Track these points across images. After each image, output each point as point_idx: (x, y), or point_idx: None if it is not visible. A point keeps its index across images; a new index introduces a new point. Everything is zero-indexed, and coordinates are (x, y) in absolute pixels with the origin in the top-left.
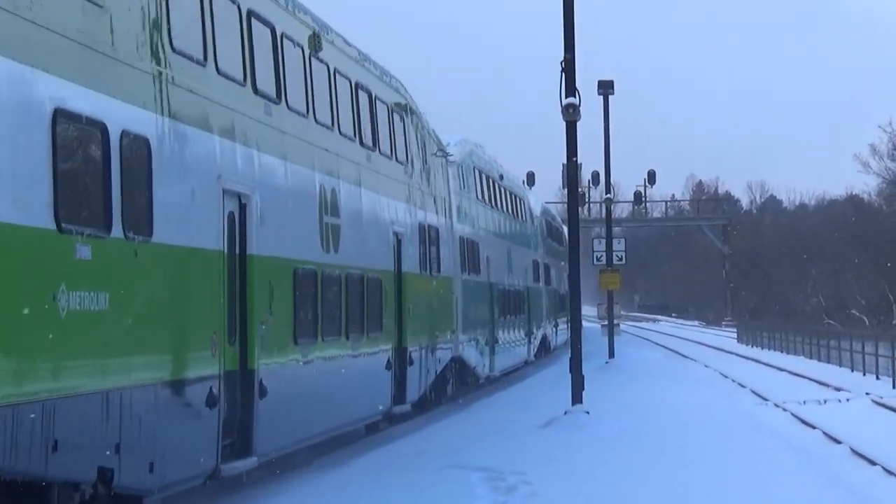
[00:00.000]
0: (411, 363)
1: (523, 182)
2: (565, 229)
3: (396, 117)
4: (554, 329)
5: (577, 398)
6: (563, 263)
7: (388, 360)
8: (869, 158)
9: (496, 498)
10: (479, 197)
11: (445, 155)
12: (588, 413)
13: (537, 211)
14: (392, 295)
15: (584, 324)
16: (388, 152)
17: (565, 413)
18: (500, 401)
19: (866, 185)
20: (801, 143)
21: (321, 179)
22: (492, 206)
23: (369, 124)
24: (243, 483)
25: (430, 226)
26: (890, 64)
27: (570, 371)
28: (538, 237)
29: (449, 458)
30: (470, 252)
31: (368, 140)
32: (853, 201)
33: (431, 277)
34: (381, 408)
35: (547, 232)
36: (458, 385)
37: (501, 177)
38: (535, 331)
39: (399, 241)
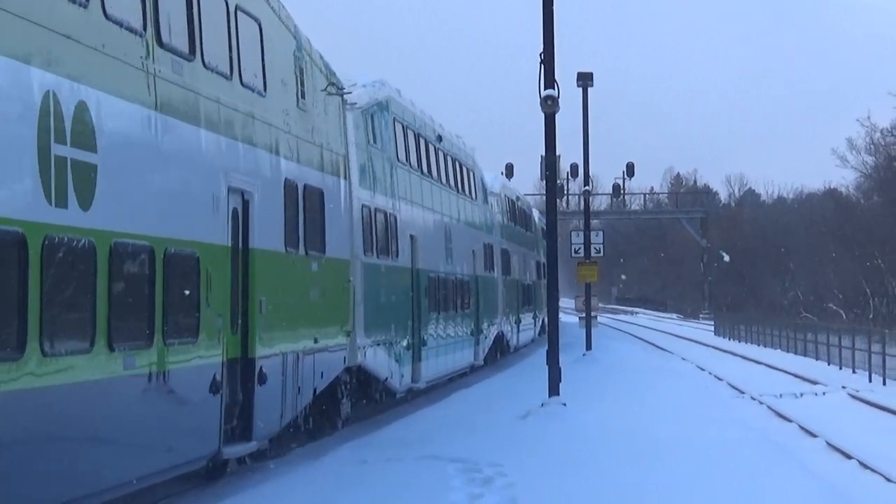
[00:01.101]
0: (263, 381)
1: (502, 173)
2: (536, 214)
3: (245, 21)
4: (514, 326)
5: (554, 390)
6: (530, 251)
7: (215, 379)
8: (846, 152)
9: (472, 489)
10: (401, 159)
11: (341, 93)
12: (565, 405)
13: (495, 187)
14: (223, 282)
15: (562, 316)
16: (225, 69)
17: (542, 405)
18: (477, 392)
19: (844, 178)
20: (780, 137)
21: (47, 82)
22: (422, 173)
23: (183, 17)
24: (220, 475)
25: (307, 186)
26: (867, 58)
27: (548, 363)
28: (493, 218)
29: (425, 449)
30: (380, 228)
31: (179, 41)
32: (831, 195)
33: (308, 258)
34: (199, 452)
35: (509, 214)
36: (361, 403)
37: (440, 138)
38: (485, 329)
39: (244, 203)
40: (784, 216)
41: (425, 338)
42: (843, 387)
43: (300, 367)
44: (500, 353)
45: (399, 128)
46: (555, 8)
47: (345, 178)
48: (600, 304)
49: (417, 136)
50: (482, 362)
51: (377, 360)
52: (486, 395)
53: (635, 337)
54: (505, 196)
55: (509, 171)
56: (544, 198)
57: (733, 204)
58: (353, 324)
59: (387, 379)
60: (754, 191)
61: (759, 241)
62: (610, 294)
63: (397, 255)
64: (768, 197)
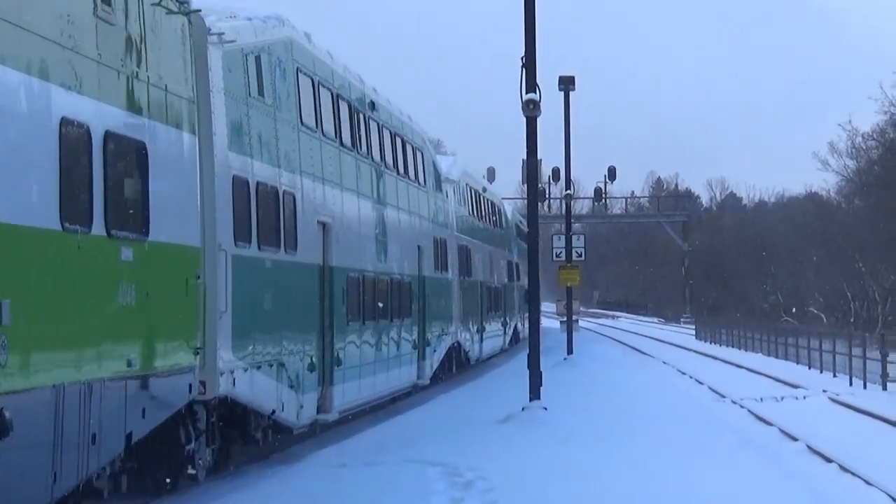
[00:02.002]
0: (4, 433)
1: (485, 178)
2: (508, 210)
3: None
4: (476, 335)
5: (534, 394)
6: (500, 249)
7: None
8: (828, 156)
9: (453, 493)
10: (309, 123)
11: (186, 11)
12: (546, 409)
13: (452, 174)
14: None
15: (543, 320)
16: None
17: (523, 409)
18: (458, 396)
19: (825, 182)
20: (761, 141)
21: None
22: (343, 146)
23: None
24: (202, 478)
25: (111, 134)
26: (848, 61)
27: (528, 367)
28: (448, 209)
29: (406, 452)
30: (267, 209)
31: None
32: (812, 199)
33: (113, 242)
34: None
35: (471, 206)
36: (241, 445)
37: (373, 105)
38: (433, 340)
39: None
40: (765, 220)
41: (340, 355)
42: (824, 390)
43: (92, 406)
44: (457, 366)
45: (306, 83)
46: (536, 12)
47: (192, 132)
48: (582, 308)
49: (337, 98)
50: (427, 381)
51: (256, 387)
52: (468, 400)
53: (616, 341)
54: (467, 185)
55: (491, 174)
56: (526, 202)
57: (714, 208)
58: (208, 338)
59: (275, 412)
60: (735, 194)
61: (740, 244)
62: (591, 298)
63: (296, 248)
64: (749, 201)
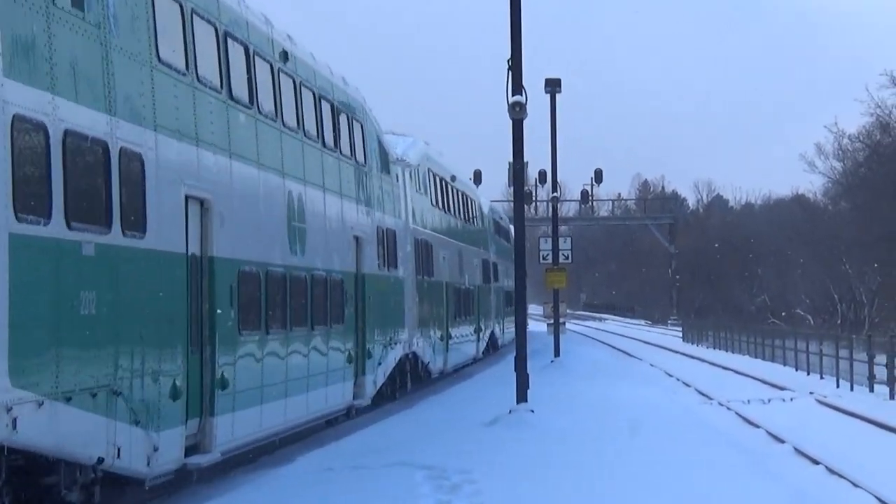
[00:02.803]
0: None
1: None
2: (486, 205)
3: None
4: (440, 343)
5: (521, 397)
6: (473, 247)
7: None
8: (815, 158)
9: (440, 496)
10: (170, 60)
11: None
12: (533, 411)
13: (409, 156)
14: None
15: (530, 322)
16: None
17: (510, 412)
18: (445, 399)
19: (812, 184)
20: (748, 143)
21: None
22: (232, 98)
23: None
24: (189, 481)
25: None
26: (834, 64)
27: (515, 370)
28: (400, 195)
29: (393, 455)
30: (85, 170)
31: None
32: (799, 201)
33: None
34: None
35: (434, 194)
36: None
37: (285, 55)
38: (376, 351)
39: None
40: (752, 222)
41: (227, 374)
42: (811, 392)
43: None
44: (412, 381)
45: (169, 7)
46: (522, 14)
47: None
48: (569, 311)
49: (225, 37)
50: (368, 400)
51: (64, 427)
52: (455, 402)
53: (604, 343)
54: (429, 171)
55: (477, 177)
56: (512, 204)
57: (701, 210)
58: None
59: (103, 460)
60: (722, 197)
61: (726, 246)
62: (578, 300)
63: (143, 229)
64: (736, 203)
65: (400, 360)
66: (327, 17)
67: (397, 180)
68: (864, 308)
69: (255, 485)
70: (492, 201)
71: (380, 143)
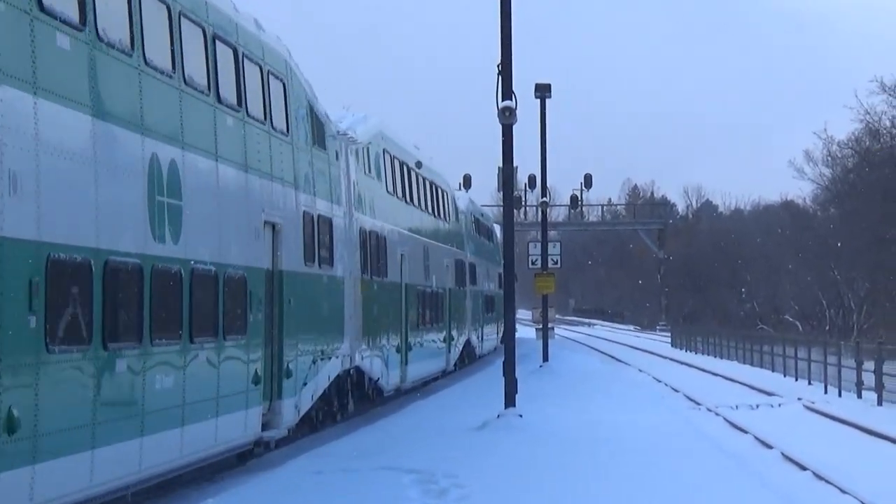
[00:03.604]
0: None
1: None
2: (463, 200)
3: None
4: (397, 356)
5: (510, 401)
6: (446, 245)
7: None
8: (804, 164)
9: (428, 500)
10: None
11: None
12: (521, 416)
13: (358, 132)
14: None
15: (518, 327)
16: None
17: (498, 416)
18: (433, 403)
19: (801, 190)
20: (737, 149)
21: None
22: (100, 38)
23: None
24: (178, 484)
25: None
26: (824, 70)
27: (504, 374)
28: (340, 176)
29: (381, 459)
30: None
31: None
32: (788, 207)
33: None
34: None
35: (388, 177)
36: None
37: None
38: (298, 369)
39: None
40: (741, 228)
41: (16, 412)
42: (799, 398)
43: None
44: (359, 401)
45: None
46: (513, 19)
47: None
48: (557, 316)
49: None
50: (285, 430)
51: None
52: (443, 406)
53: (592, 349)
54: (385, 152)
55: (467, 182)
56: (501, 209)
57: (690, 215)
58: None
59: None
60: (711, 202)
61: (716, 252)
62: (567, 305)
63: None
64: (725, 208)
65: (339, 376)
66: (315, 22)
67: (337, 159)
68: (853, 314)
69: (244, 487)
70: (482, 206)
71: (311, 112)
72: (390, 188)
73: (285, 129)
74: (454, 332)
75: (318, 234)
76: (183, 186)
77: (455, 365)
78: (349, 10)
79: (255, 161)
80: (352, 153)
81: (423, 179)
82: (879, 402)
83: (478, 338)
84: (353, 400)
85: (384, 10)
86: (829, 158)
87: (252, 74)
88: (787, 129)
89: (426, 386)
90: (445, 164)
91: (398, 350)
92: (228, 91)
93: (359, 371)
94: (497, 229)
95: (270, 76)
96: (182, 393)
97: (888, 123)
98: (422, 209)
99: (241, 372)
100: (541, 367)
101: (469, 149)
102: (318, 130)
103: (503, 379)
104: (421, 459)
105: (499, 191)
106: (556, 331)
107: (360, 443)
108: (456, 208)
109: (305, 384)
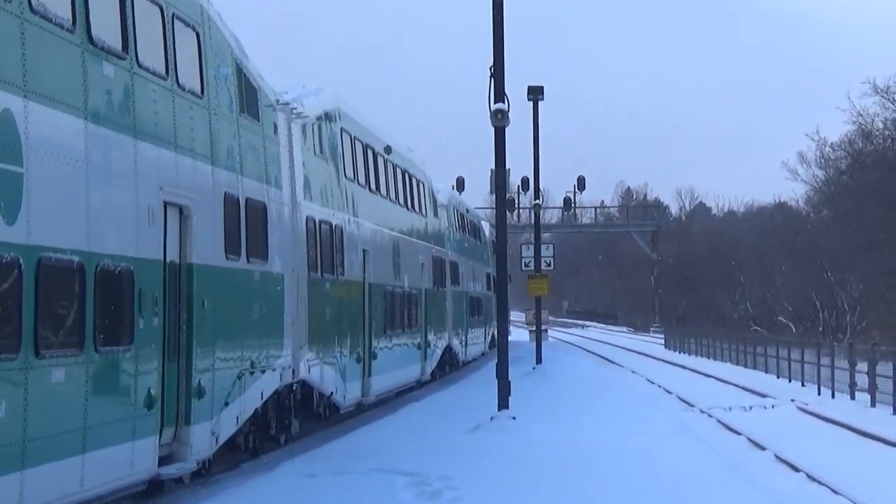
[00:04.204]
0: None
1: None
2: (444, 193)
3: None
4: (348, 363)
5: (503, 403)
6: (417, 240)
7: None
8: (797, 166)
9: (421, 502)
10: None
11: None
12: (514, 418)
13: (309, 106)
14: None
15: (512, 329)
16: None
17: (491, 418)
18: (427, 405)
19: (794, 192)
20: (730, 151)
21: None
22: None
23: None
24: (170, 487)
25: None
26: (816, 72)
27: (497, 377)
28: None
29: (374, 462)
30: None
31: None
32: (781, 208)
33: None
34: None
35: (346, 154)
36: None
37: None
38: (216, 389)
39: None
40: (734, 229)
41: None
42: (792, 400)
43: None
44: (301, 420)
45: None
46: (505, 22)
47: None
48: (551, 318)
49: None
50: (193, 464)
51: None
52: (437, 409)
53: (586, 350)
54: (341, 130)
55: (460, 184)
56: (494, 211)
57: (684, 217)
58: None
59: None
60: (705, 204)
61: (709, 254)
62: (561, 307)
63: None
64: (719, 210)
65: (279, 392)
66: (311, 25)
67: (276, 133)
68: (846, 315)
69: (239, 490)
70: (475, 208)
71: (239, 73)
72: (350, 174)
73: (198, 90)
74: (431, 337)
75: (246, 221)
76: (25, 148)
77: (434, 373)
78: (341, 14)
79: (148, 125)
80: (298, 129)
81: (394, 167)
82: (873, 404)
83: (461, 343)
84: (299, 419)
85: (377, 13)
86: (822, 160)
87: (147, 16)
88: (780, 131)
89: (401, 396)
90: (438, 166)
91: (359, 359)
92: (106, 32)
93: (306, 385)
94: (486, 227)
95: (177, 21)
96: (21, 425)
97: (881, 125)
98: (391, 200)
99: (123, 393)
100: (534, 369)
101: (462, 151)
102: (249, 97)
103: (496, 382)
104: (414, 462)
105: (492, 193)
106: (550, 333)
107: (353, 445)
108: (435, 202)
109: (227, 404)
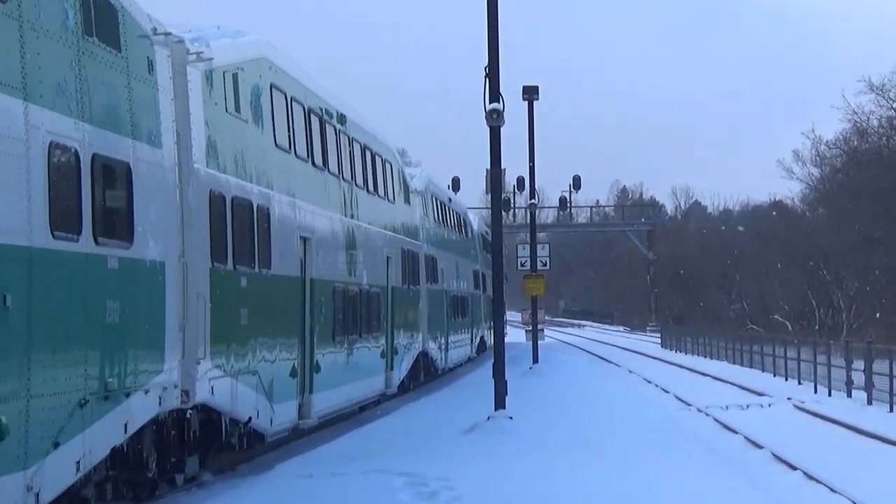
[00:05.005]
0: None
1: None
2: (418, 181)
3: None
4: (277, 381)
5: (500, 404)
6: (379, 228)
7: None
8: (792, 164)
9: (418, 503)
10: None
11: None
12: (511, 418)
13: (187, 40)
14: None
15: (508, 329)
16: None
17: (488, 418)
18: (424, 406)
19: (790, 191)
20: (726, 149)
21: None
22: None
23: None
24: (164, 490)
25: None
26: (812, 70)
27: (493, 377)
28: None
29: (372, 462)
30: None
31: None
32: (777, 207)
33: None
34: None
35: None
36: None
37: None
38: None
39: None
40: (730, 228)
41: None
42: (789, 398)
43: None
44: (203, 457)
45: None
46: (499, 21)
47: None
48: (547, 318)
49: None
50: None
51: None
52: (433, 409)
53: (582, 350)
54: (272, 88)
55: (456, 184)
56: (490, 211)
57: (679, 216)
58: None
59: None
60: (700, 203)
61: (705, 253)
62: (557, 307)
63: None
64: (714, 209)
65: (161, 421)
66: (302, 23)
67: (150, 72)
68: (842, 314)
69: (236, 491)
70: (469, 208)
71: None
72: (284, 142)
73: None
74: (400, 342)
75: (92, 184)
76: None
77: (405, 383)
78: (334, 12)
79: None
80: (198, 75)
81: (351, 141)
82: (869, 402)
83: (440, 348)
84: (200, 455)
85: (371, 12)
86: (818, 158)
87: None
88: (776, 130)
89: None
90: (434, 166)
91: (294, 373)
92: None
93: (207, 409)
94: (474, 220)
95: None
96: None
97: (876, 123)
98: (345, 180)
99: None
100: (531, 368)
101: (457, 152)
102: (100, 15)
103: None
104: (411, 462)
105: (487, 193)
106: (546, 332)
107: (350, 446)
108: (406, 187)
109: (57, 445)
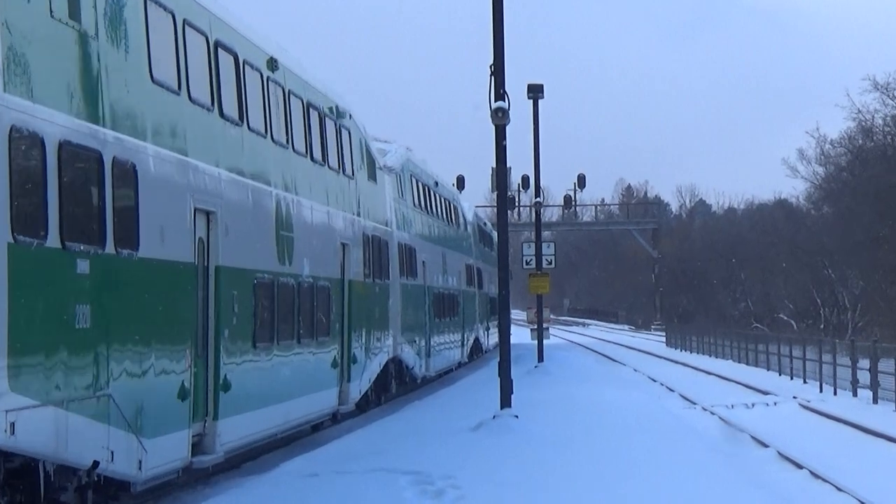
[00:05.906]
0: None
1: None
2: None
3: None
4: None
5: (505, 402)
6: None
7: None
8: (797, 163)
9: (424, 502)
10: None
11: None
12: (517, 417)
13: None
14: None
15: (514, 328)
16: None
17: (494, 417)
18: (429, 404)
19: (794, 189)
20: (731, 148)
21: None
22: None
23: None
24: (168, 489)
25: None
26: (816, 69)
27: (499, 375)
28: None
29: (377, 461)
30: None
31: None
32: (782, 206)
33: None
34: None
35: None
36: None
37: None
38: None
39: None
40: (735, 227)
41: None
42: (794, 397)
43: None
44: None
45: None
46: (505, 20)
47: None
48: (552, 316)
49: None
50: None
51: None
52: (439, 407)
53: (587, 349)
54: (215, 42)
55: (460, 182)
56: (495, 209)
57: (684, 215)
58: None
59: None
60: (705, 202)
61: (709, 251)
62: (562, 306)
63: None
64: (719, 208)
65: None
66: (311, 21)
67: None
68: (847, 312)
69: (240, 490)
70: (475, 206)
71: None
72: (165, 76)
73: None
74: (359, 348)
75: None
76: None
77: (368, 397)
78: (340, 10)
79: None
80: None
81: (286, 94)
82: (875, 401)
83: (418, 353)
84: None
85: (377, 11)
86: (823, 157)
87: None
88: (781, 128)
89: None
90: (439, 164)
91: (182, 393)
92: None
93: (18, 458)
94: (468, 209)
95: None
96: None
97: (881, 122)
98: (276, 142)
99: None
100: (536, 367)
101: (463, 149)
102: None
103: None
104: (416, 461)
105: (492, 191)
106: (551, 331)
107: (355, 445)
108: (372, 160)
109: None
